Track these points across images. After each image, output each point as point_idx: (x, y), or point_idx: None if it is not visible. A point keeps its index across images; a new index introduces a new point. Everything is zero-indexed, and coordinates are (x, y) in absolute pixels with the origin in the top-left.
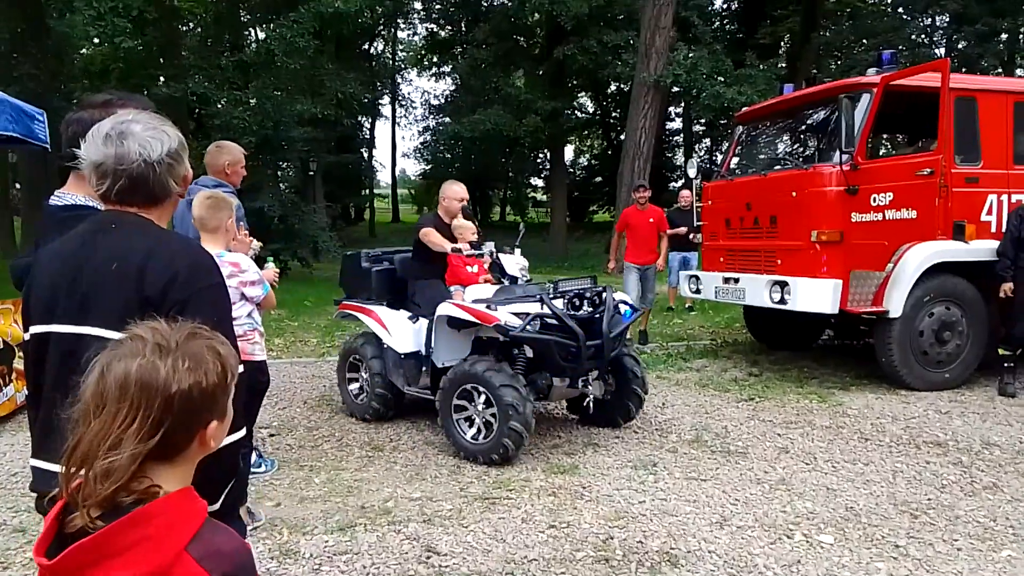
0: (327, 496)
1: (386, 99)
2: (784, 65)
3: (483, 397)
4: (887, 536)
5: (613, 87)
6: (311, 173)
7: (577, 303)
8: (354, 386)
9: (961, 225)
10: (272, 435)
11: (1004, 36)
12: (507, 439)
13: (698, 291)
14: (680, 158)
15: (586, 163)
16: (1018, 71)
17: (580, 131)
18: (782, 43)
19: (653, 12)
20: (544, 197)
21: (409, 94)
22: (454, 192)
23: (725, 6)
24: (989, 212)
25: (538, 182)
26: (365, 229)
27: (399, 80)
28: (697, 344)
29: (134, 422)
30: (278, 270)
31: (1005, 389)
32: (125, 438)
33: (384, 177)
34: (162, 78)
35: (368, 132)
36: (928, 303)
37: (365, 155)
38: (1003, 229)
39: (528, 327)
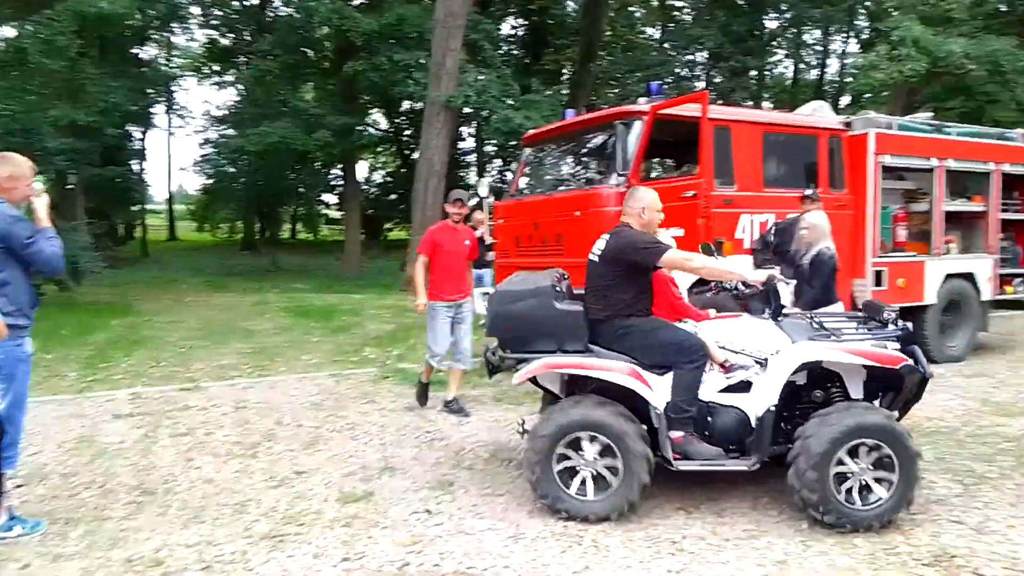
0: (86, 551)
1: (160, 108)
2: (567, 91)
3: (872, 456)
4: (664, 534)
5: (406, 105)
6: (70, 187)
7: None
8: (563, 471)
9: (720, 242)
10: (19, 486)
11: (753, 73)
12: (908, 502)
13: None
14: (473, 177)
15: (380, 180)
16: (765, 103)
17: (373, 148)
18: (564, 70)
19: (443, 34)
20: (338, 214)
21: (187, 104)
22: (656, 200)
23: (512, 32)
24: (743, 230)
25: (331, 199)
26: (137, 247)
27: (175, 88)
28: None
29: None
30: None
31: None
32: None
33: (160, 192)
34: None
35: (140, 143)
36: None
37: (136, 168)
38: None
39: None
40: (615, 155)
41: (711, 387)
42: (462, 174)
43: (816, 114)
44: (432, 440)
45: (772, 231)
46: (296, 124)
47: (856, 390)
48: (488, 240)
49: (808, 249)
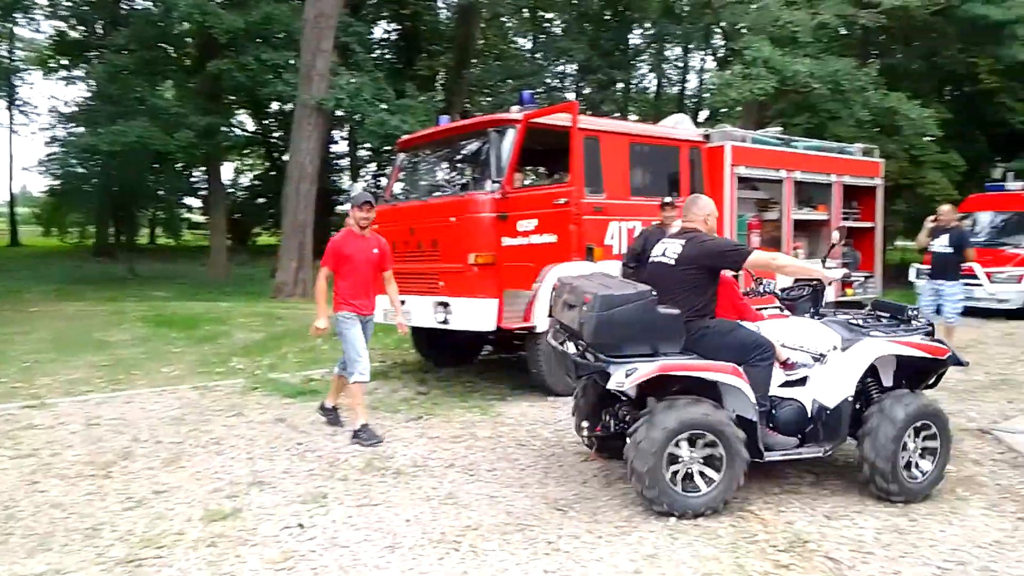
0: None
1: (0, 103)
2: (442, 98)
3: (923, 436)
4: (541, 535)
5: (275, 106)
6: None
7: None
8: (675, 474)
9: (591, 248)
10: None
11: (620, 85)
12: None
13: None
14: (346, 181)
15: (248, 183)
16: (631, 115)
17: (240, 149)
18: (438, 76)
19: (313, 35)
20: (202, 218)
21: (31, 99)
22: (715, 208)
23: (385, 37)
24: (612, 237)
25: (195, 202)
26: None
27: (17, 83)
28: None
29: None
30: None
31: None
32: None
33: None
34: None
35: None
36: None
37: None
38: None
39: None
40: (489, 162)
41: (773, 382)
42: (335, 178)
43: (678, 127)
44: (304, 452)
45: (640, 239)
46: (155, 123)
47: (888, 378)
48: None
49: None
